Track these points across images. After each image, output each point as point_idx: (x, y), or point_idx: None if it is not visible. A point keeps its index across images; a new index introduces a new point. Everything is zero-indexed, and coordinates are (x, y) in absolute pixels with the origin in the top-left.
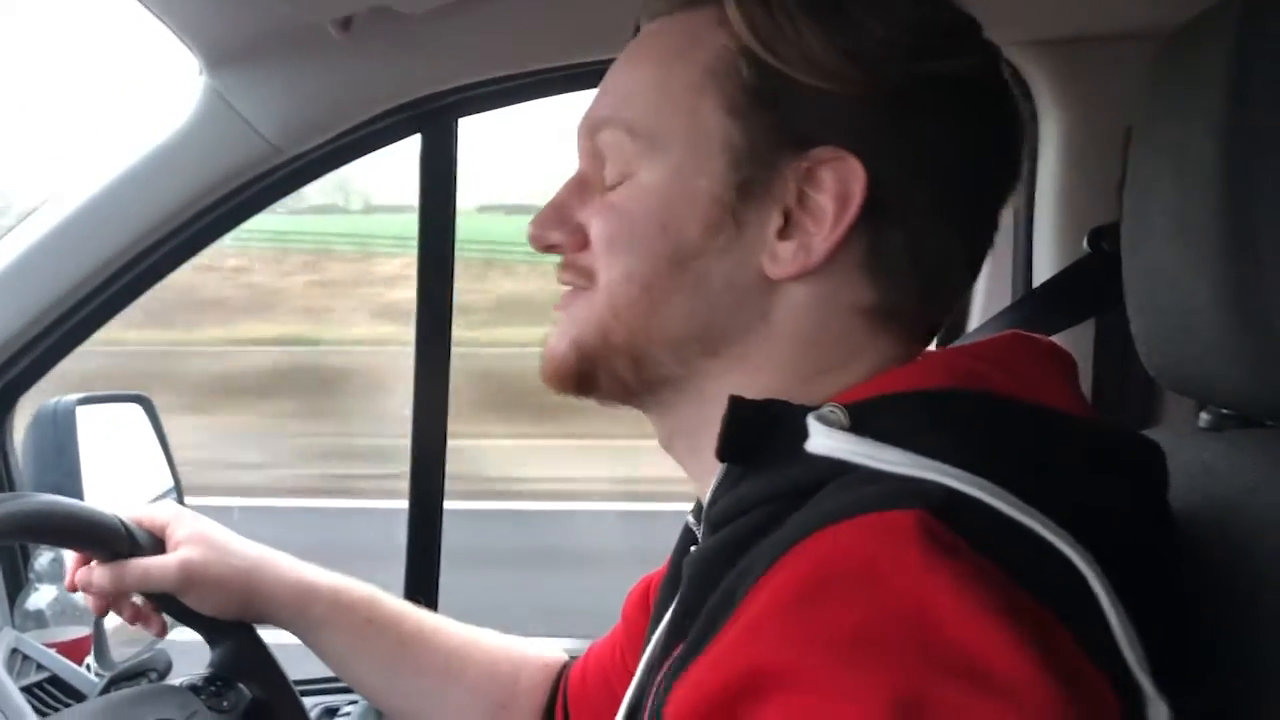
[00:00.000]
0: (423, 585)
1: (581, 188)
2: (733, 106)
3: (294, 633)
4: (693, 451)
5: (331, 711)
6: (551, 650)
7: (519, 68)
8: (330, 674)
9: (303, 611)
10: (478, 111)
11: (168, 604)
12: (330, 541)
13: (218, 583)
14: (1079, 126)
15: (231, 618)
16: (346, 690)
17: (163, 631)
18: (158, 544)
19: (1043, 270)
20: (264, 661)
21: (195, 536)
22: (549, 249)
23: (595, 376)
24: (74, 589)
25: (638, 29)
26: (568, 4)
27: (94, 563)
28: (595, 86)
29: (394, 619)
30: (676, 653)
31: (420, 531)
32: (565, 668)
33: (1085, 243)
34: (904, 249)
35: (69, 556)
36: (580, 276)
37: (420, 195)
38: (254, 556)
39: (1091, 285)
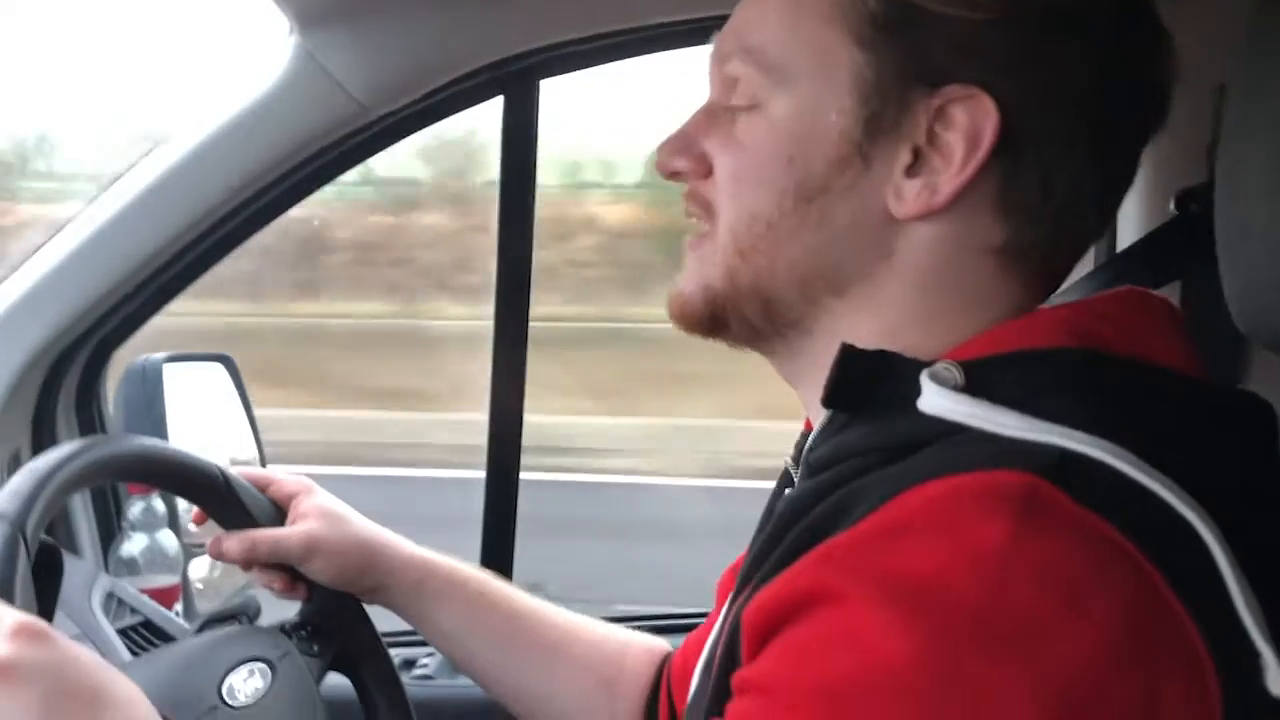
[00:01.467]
0: (498, 554)
1: (709, 116)
2: (861, 37)
3: (405, 608)
4: (816, 392)
5: (409, 663)
6: (654, 640)
7: (602, 27)
8: (406, 627)
9: (420, 584)
10: (560, 73)
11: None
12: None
13: (339, 554)
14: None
15: (346, 589)
16: (422, 643)
17: (308, 596)
18: (280, 514)
19: (1127, 234)
20: (354, 612)
21: (318, 509)
22: (673, 175)
23: (725, 320)
24: (216, 556)
25: None
26: None
27: (226, 533)
28: (679, 46)
29: (505, 595)
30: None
31: (497, 501)
32: (668, 656)
33: (1172, 204)
34: (1037, 186)
35: (160, 506)
36: (702, 209)
37: (501, 158)
38: (373, 531)
39: (1178, 247)
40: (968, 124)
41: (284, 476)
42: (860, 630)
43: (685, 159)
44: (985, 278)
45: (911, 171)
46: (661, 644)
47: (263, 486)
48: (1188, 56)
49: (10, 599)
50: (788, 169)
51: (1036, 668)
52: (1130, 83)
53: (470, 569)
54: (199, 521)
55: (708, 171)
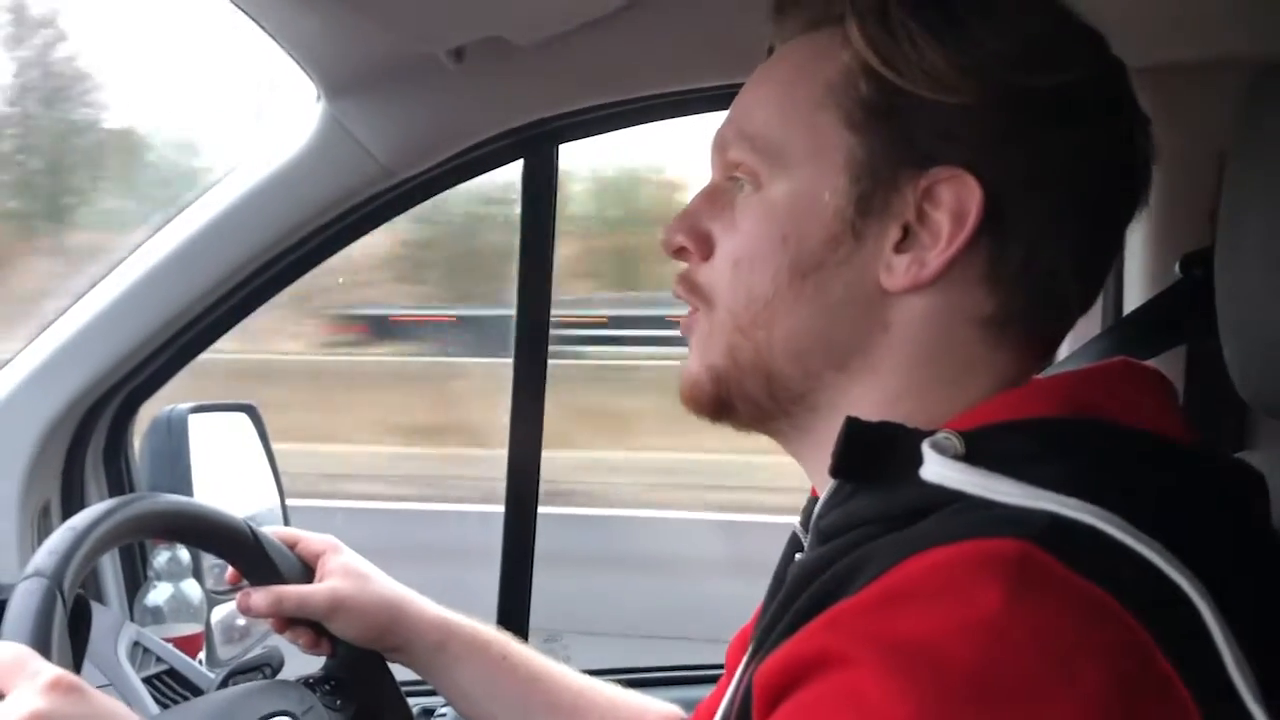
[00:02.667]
0: (516, 587)
1: (713, 198)
2: (852, 121)
3: (427, 668)
4: (823, 464)
5: (428, 712)
6: (667, 705)
7: (622, 95)
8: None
9: (442, 645)
10: (579, 138)
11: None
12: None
13: (362, 613)
14: (1172, 152)
15: (370, 646)
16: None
17: (333, 653)
18: (308, 571)
19: (1133, 296)
20: (376, 666)
21: (344, 568)
22: (677, 254)
23: (730, 401)
24: (244, 611)
25: (770, 50)
26: (670, 34)
27: (253, 589)
28: (694, 113)
29: (525, 657)
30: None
31: (515, 535)
32: None
33: (1178, 268)
34: (1021, 259)
35: (185, 555)
36: (697, 297)
37: (521, 217)
38: (397, 591)
39: (1184, 311)
40: (953, 203)
41: (311, 535)
42: (864, 693)
43: (690, 239)
44: (977, 346)
45: (901, 247)
46: (676, 711)
47: (291, 544)
48: (1193, 123)
49: (47, 654)
50: (783, 247)
51: None
52: (1109, 162)
53: (491, 631)
54: (233, 582)
55: (709, 253)
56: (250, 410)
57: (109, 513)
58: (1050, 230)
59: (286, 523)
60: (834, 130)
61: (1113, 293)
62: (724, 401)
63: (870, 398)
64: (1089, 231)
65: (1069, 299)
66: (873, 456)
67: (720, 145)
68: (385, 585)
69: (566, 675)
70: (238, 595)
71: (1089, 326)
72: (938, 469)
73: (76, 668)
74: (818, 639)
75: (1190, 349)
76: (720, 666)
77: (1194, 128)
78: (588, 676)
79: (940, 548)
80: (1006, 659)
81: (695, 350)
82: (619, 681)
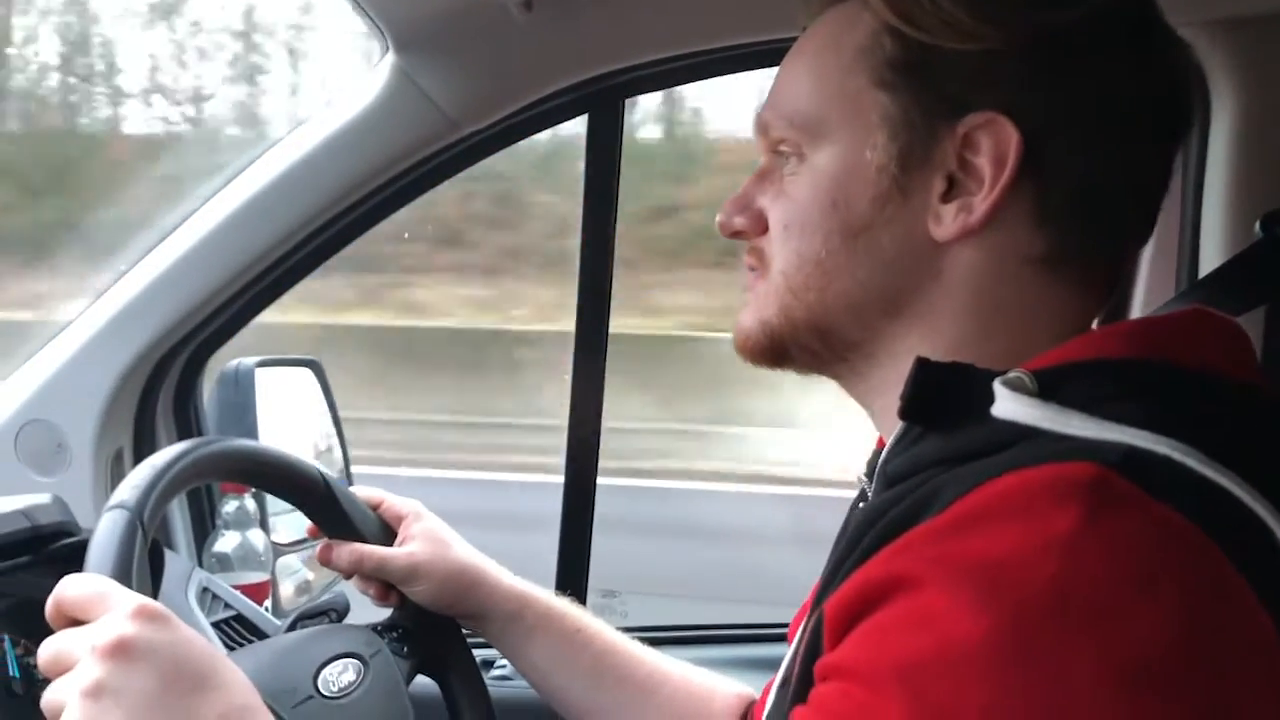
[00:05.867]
0: (575, 557)
1: (762, 177)
2: (882, 81)
3: (499, 638)
4: (885, 410)
5: (488, 664)
6: (738, 684)
7: (688, 47)
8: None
9: (518, 614)
10: (644, 91)
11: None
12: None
13: (440, 580)
14: (1256, 109)
15: (444, 612)
16: None
17: (401, 604)
18: (390, 533)
19: (1210, 258)
20: (445, 619)
21: (426, 533)
22: (735, 235)
23: (786, 350)
24: (325, 563)
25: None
26: None
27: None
28: (759, 67)
29: (598, 632)
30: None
31: (574, 505)
32: (753, 702)
33: (1258, 227)
34: (1067, 196)
35: (252, 505)
36: (759, 261)
37: (585, 175)
38: (476, 560)
39: (1263, 271)
40: (992, 147)
41: (395, 499)
42: (937, 612)
43: (744, 217)
44: (1032, 287)
45: (947, 197)
46: (747, 690)
47: (374, 505)
48: (1270, 76)
49: (129, 583)
50: (833, 212)
51: (1110, 644)
52: (1144, 88)
53: (565, 604)
54: (312, 535)
55: (764, 228)
56: (314, 365)
57: (187, 451)
58: (1093, 162)
59: (349, 476)
60: (866, 92)
61: (1189, 256)
62: (778, 350)
63: (928, 344)
64: (1132, 159)
65: (1121, 230)
66: (943, 397)
67: (762, 128)
68: (465, 553)
69: (638, 651)
70: (319, 546)
71: (1164, 291)
72: (1010, 405)
73: None
74: (888, 565)
75: (1270, 310)
76: (777, 625)
77: (1272, 82)
78: (658, 654)
79: (1015, 472)
80: (1084, 576)
81: (750, 306)
82: (679, 638)
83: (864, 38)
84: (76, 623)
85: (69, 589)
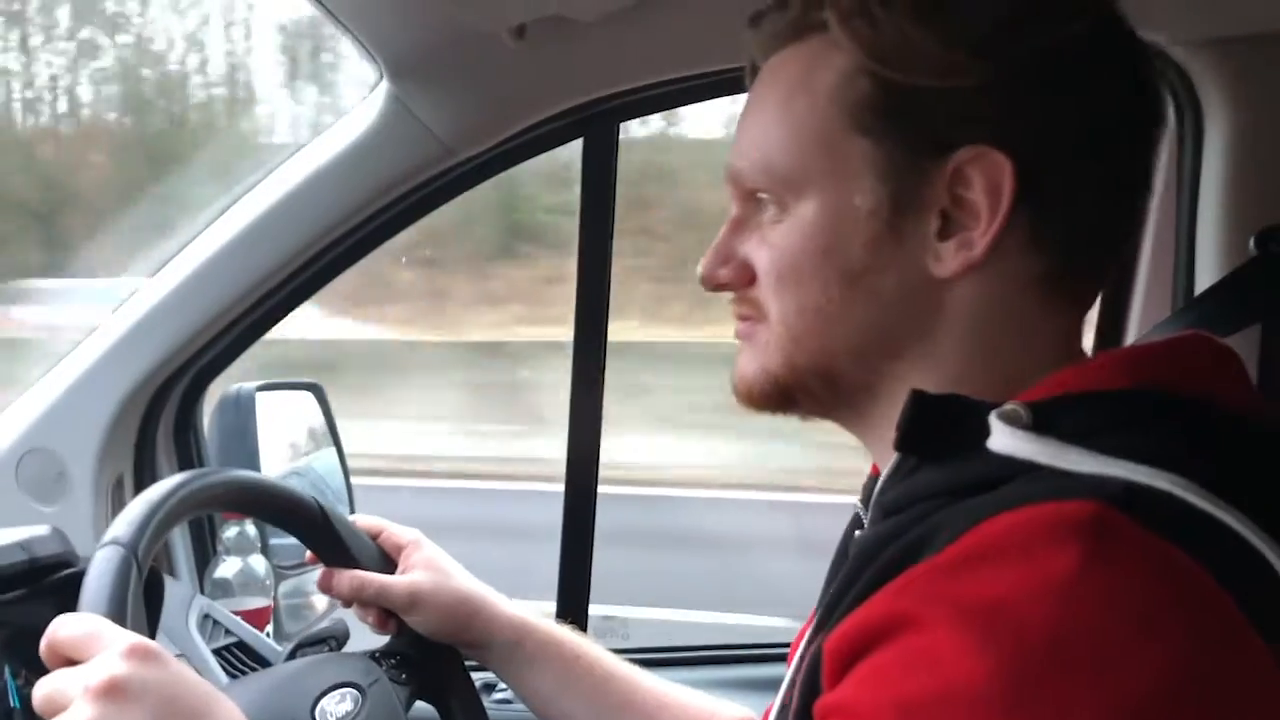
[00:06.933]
0: (576, 567)
1: (740, 226)
2: (861, 125)
3: (501, 666)
4: (881, 441)
5: (490, 687)
6: (740, 708)
7: (682, 71)
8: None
9: (518, 643)
10: (638, 115)
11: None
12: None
13: (440, 608)
14: (1249, 126)
15: (444, 640)
16: None
17: (399, 630)
18: (389, 562)
19: (1205, 276)
20: (443, 645)
21: (427, 562)
22: (719, 288)
23: (792, 396)
24: (325, 590)
25: (754, 70)
26: (732, 9)
27: (336, 571)
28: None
29: (599, 658)
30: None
31: (575, 517)
32: None
33: (1252, 244)
34: (1063, 219)
35: (252, 530)
36: (753, 309)
37: (581, 198)
38: (476, 589)
39: (1258, 289)
40: (985, 181)
41: (396, 527)
42: (938, 652)
43: (728, 270)
44: (1030, 310)
45: (943, 234)
46: (748, 712)
47: (374, 534)
48: (1264, 95)
49: (123, 621)
50: (827, 260)
51: (1111, 687)
52: (1122, 103)
53: (565, 632)
54: (312, 563)
55: (751, 278)
56: (315, 389)
57: (182, 484)
58: (1084, 180)
59: (351, 499)
60: (846, 138)
61: (1184, 273)
62: (785, 397)
63: (930, 378)
64: (1119, 171)
65: (1114, 241)
66: (938, 429)
67: (735, 177)
68: (464, 582)
69: (639, 676)
70: (319, 573)
71: (1160, 308)
72: (1007, 440)
73: (150, 637)
74: (890, 603)
75: (1266, 326)
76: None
77: (1264, 100)
78: (659, 679)
79: (1014, 511)
80: (1084, 621)
81: (750, 354)
82: (678, 659)
83: (836, 78)
84: (72, 662)
85: (62, 629)
